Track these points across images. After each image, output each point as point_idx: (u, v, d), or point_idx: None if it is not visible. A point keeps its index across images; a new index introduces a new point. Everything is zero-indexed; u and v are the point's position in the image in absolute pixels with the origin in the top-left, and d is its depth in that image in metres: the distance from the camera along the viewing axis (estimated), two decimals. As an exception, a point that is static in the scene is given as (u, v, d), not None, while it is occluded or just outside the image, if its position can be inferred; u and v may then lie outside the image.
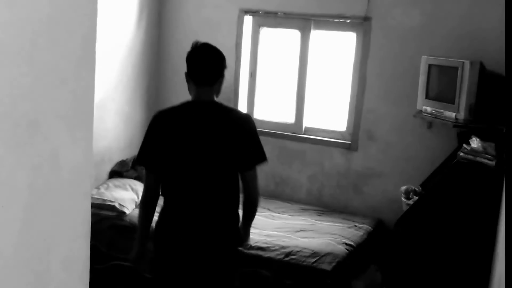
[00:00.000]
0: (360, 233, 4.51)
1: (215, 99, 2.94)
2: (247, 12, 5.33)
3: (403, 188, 4.29)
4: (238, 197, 2.98)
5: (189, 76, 2.93)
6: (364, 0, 4.83)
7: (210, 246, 2.91)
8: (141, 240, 3.01)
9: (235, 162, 2.88)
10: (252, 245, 3.48)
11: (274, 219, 4.69)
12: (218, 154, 2.85)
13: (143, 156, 2.93)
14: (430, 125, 4.64)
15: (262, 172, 5.14)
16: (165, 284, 2.98)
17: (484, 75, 3.99)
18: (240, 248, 3.19)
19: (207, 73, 2.90)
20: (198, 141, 2.84)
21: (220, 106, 2.93)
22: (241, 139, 2.89)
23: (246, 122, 2.93)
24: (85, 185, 1.69)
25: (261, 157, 2.99)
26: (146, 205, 2.98)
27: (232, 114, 2.97)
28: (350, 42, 5.08)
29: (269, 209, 4.88)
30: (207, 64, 2.91)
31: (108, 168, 5.22)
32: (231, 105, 3.87)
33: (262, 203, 4.85)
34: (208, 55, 2.93)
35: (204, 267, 2.92)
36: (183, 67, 5.57)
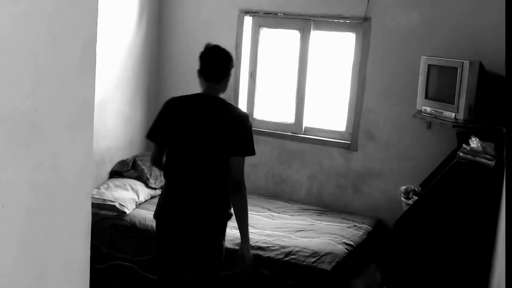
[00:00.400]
0: (360, 233, 4.51)
1: (220, 95, 3.35)
2: (247, 12, 5.34)
3: (403, 188, 4.30)
4: (224, 176, 3.28)
5: (200, 73, 3.35)
6: (363, 0, 4.84)
7: (202, 218, 3.28)
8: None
9: (225, 149, 3.24)
10: (249, 259, 3.39)
11: (274, 219, 4.70)
12: (212, 141, 3.24)
13: (152, 132, 3.41)
14: (429, 125, 4.64)
15: (262, 172, 5.18)
16: (167, 254, 3.36)
17: (483, 75, 4.00)
18: (238, 268, 3.50)
19: (214, 72, 3.31)
20: (198, 127, 3.25)
21: (223, 101, 3.33)
22: (233, 131, 3.26)
23: (242, 119, 3.30)
24: (86, 185, 1.69)
25: (249, 150, 3.31)
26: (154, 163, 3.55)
27: (231, 110, 3.35)
28: (349, 43, 5.09)
29: (269, 209, 4.88)
30: (215, 65, 3.31)
31: (108, 168, 5.22)
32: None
33: (262, 203, 4.91)
34: (216, 57, 3.33)
35: (197, 236, 3.29)
36: (183, 68, 5.62)
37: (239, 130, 3.26)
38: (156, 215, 3.42)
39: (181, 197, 3.30)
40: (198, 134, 3.24)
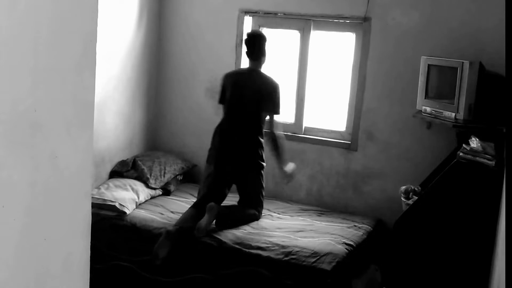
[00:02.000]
0: (360, 233, 4.51)
1: (260, 68, 4.68)
2: (247, 12, 5.34)
3: (403, 188, 4.30)
4: (261, 128, 4.66)
5: (246, 54, 4.71)
6: (363, 0, 4.84)
7: (241, 155, 4.61)
8: None
9: (260, 107, 4.59)
10: (290, 173, 4.78)
11: (274, 219, 4.70)
12: (251, 100, 4.58)
13: (219, 98, 4.80)
14: (429, 125, 4.64)
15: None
16: (214, 169, 4.61)
17: (483, 75, 3.99)
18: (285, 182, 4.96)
19: (252, 52, 4.65)
20: (243, 90, 4.61)
21: (261, 73, 4.67)
22: (265, 94, 4.59)
23: (271, 85, 4.63)
24: (86, 185, 1.69)
25: (277, 109, 4.64)
26: None
27: (266, 79, 4.65)
28: (349, 43, 5.09)
29: (269, 209, 4.88)
30: (253, 47, 4.64)
31: (108, 168, 5.22)
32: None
33: (264, 203, 4.90)
34: (253, 41, 4.64)
35: (236, 167, 4.61)
36: (183, 67, 5.62)
37: (269, 93, 4.59)
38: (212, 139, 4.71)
39: (227, 137, 4.61)
40: (243, 94, 4.59)
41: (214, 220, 4.37)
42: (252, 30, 4.71)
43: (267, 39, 4.66)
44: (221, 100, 4.76)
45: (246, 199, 4.68)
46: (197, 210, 4.44)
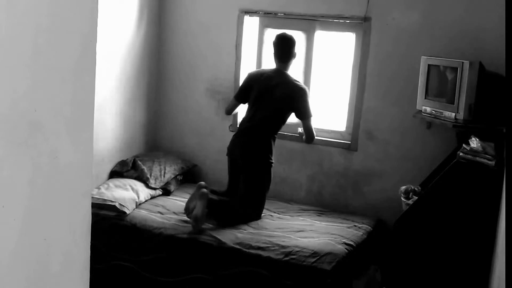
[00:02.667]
0: (360, 233, 4.51)
1: (287, 70, 4.74)
2: (247, 12, 5.34)
3: (403, 188, 4.30)
4: (275, 133, 4.73)
5: (273, 55, 4.76)
6: (363, 0, 4.84)
7: (249, 160, 4.69)
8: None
9: (282, 108, 4.66)
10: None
11: (274, 219, 4.70)
12: (276, 103, 4.64)
13: (237, 94, 4.93)
14: (429, 125, 4.64)
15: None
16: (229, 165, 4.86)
17: (483, 75, 3.99)
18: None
19: (280, 55, 4.73)
20: (265, 90, 4.67)
21: (287, 75, 4.73)
22: (290, 98, 4.64)
23: (298, 90, 4.66)
24: (86, 185, 1.69)
25: (307, 114, 4.67)
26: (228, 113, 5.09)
27: (292, 82, 4.70)
28: (349, 43, 5.08)
29: (269, 209, 4.88)
30: (281, 50, 4.72)
31: (108, 168, 5.22)
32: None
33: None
34: (281, 44, 4.72)
35: (243, 161, 4.71)
36: (183, 67, 5.63)
37: (294, 97, 4.63)
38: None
39: (241, 135, 4.74)
40: (265, 94, 4.66)
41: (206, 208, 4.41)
42: (281, 33, 4.74)
43: (296, 42, 4.72)
44: (239, 97, 4.88)
45: (246, 196, 4.68)
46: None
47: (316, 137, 4.97)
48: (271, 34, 5.19)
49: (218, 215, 4.52)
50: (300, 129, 4.89)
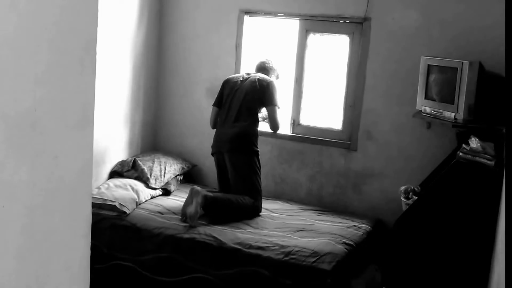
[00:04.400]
0: (360, 232, 4.51)
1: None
2: (247, 12, 5.34)
3: (403, 188, 4.30)
4: (254, 121, 4.86)
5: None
6: (363, 0, 4.84)
7: (230, 139, 4.80)
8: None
9: (255, 104, 4.84)
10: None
11: (273, 219, 4.70)
12: (242, 96, 4.83)
13: (215, 101, 5.02)
14: (429, 125, 4.65)
15: (263, 172, 5.16)
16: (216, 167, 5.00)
17: (483, 75, 4.00)
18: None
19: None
20: (236, 89, 4.89)
21: (258, 74, 4.97)
22: (257, 89, 4.82)
23: (264, 81, 4.86)
24: (86, 185, 1.70)
25: (270, 102, 4.83)
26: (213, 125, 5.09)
27: (259, 76, 4.91)
28: (348, 44, 5.08)
29: (268, 209, 4.88)
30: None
31: (108, 168, 5.22)
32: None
33: (262, 203, 4.90)
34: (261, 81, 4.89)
35: (226, 151, 4.81)
36: (183, 68, 5.62)
37: (262, 90, 4.81)
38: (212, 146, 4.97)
39: (222, 135, 4.85)
40: (238, 96, 4.84)
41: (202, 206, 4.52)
42: (261, 68, 5.08)
43: (275, 88, 4.88)
44: (217, 103, 5.01)
45: (239, 186, 4.78)
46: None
47: (316, 137, 4.98)
48: (314, 39, 5.20)
49: (215, 210, 4.62)
50: (265, 114, 5.03)
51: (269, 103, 4.82)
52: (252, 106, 4.83)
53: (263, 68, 5.04)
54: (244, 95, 4.82)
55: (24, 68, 1.41)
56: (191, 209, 4.44)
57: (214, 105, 5.02)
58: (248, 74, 4.99)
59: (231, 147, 4.79)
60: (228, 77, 5.06)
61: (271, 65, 5.06)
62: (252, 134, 4.82)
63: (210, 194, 4.61)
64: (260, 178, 4.85)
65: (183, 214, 4.52)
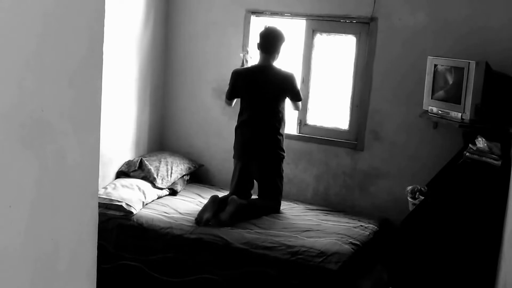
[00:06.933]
0: (366, 232, 4.51)
1: (272, 63, 4.77)
2: (253, 12, 5.34)
3: (409, 187, 4.29)
4: (280, 121, 4.79)
5: (259, 46, 4.77)
6: (370, 1, 4.84)
7: (259, 146, 4.78)
8: None
9: (278, 99, 4.75)
10: None
11: (280, 219, 4.70)
12: (268, 94, 4.74)
13: (228, 94, 4.94)
14: (436, 125, 4.64)
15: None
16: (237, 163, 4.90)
17: (490, 75, 3.99)
18: None
19: (267, 47, 4.73)
20: (258, 86, 4.76)
21: (272, 67, 4.77)
22: (282, 86, 4.75)
23: (287, 77, 4.76)
24: (92, 185, 1.70)
25: (298, 97, 4.84)
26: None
27: (279, 72, 4.77)
28: (354, 44, 5.08)
29: (275, 209, 4.89)
30: (268, 41, 4.73)
31: (115, 168, 5.23)
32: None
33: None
34: (269, 36, 4.73)
35: (255, 158, 4.81)
36: (190, 67, 5.63)
37: (285, 85, 4.74)
38: (235, 135, 4.92)
39: (247, 131, 4.80)
40: (257, 90, 4.75)
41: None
42: (271, 26, 4.80)
43: (285, 39, 4.77)
44: (231, 96, 4.95)
45: (266, 190, 4.86)
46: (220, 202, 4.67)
47: (322, 137, 4.98)
48: (321, 39, 5.20)
49: (244, 216, 4.63)
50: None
51: (298, 98, 4.84)
52: (277, 105, 4.76)
53: (275, 43, 4.75)
54: (270, 94, 4.74)
55: (31, 68, 1.42)
56: (224, 215, 4.49)
57: (228, 98, 4.97)
58: (262, 67, 4.78)
59: (261, 155, 4.81)
60: (239, 70, 4.95)
61: (283, 40, 4.82)
62: (280, 140, 4.80)
63: (244, 202, 4.69)
64: (283, 181, 4.91)
65: (200, 218, 4.50)
